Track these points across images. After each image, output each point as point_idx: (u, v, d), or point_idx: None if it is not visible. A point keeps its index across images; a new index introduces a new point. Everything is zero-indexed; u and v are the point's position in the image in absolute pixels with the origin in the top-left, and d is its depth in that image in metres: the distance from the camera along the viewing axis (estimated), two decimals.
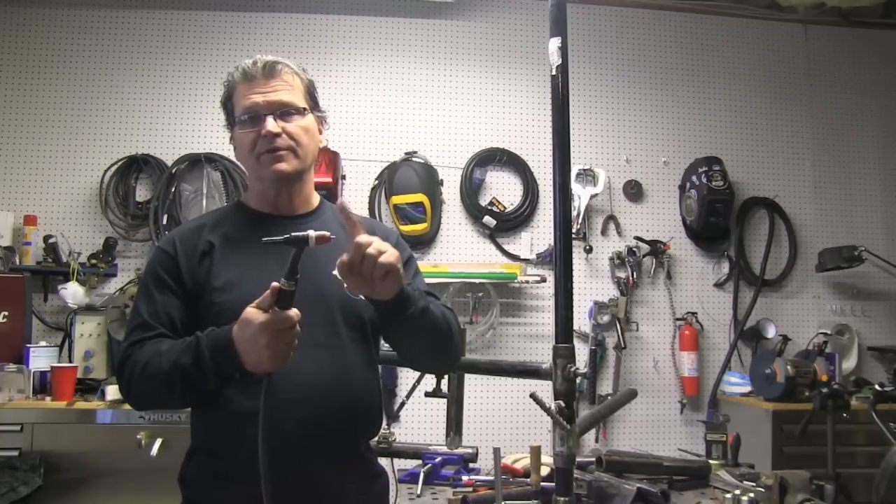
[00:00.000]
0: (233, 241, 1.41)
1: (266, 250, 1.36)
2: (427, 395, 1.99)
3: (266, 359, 1.18)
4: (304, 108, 1.44)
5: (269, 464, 1.17)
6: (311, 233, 1.17)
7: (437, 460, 2.15)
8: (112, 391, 2.81)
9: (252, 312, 1.19)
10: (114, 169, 3.43)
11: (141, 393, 1.34)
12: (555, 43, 1.29)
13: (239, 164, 1.51)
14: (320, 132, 1.50)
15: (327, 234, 1.19)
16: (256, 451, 1.16)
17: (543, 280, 3.54)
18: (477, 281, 3.49)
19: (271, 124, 1.37)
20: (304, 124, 1.43)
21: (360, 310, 1.41)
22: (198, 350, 1.24)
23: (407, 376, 3.34)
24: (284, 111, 1.40)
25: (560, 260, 1.27)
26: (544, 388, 1.26)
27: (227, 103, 1.46)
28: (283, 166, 1.40)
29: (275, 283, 1.18)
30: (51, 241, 3.27)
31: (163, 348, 1.29)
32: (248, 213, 1.48)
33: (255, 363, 1.20)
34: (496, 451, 1.73)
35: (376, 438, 1.84)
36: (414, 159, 3.52)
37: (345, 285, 1.24)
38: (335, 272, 1.22)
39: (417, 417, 3.33)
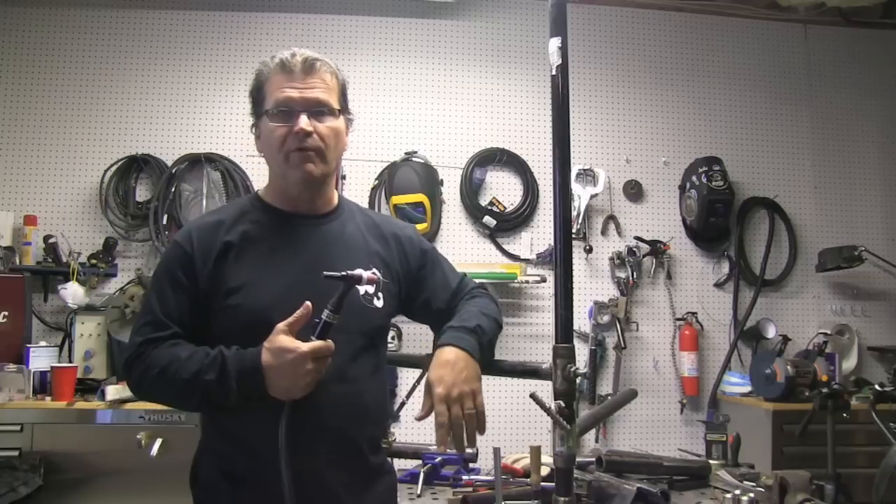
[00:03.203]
0: (251, 241, 1.38)
1: (284, 254, 1.38)
2: None
3: (301, 387, 1.21)
4: (338, 110, 1.40)
5: (280, 467, 1.19)
6: (364, 274, 1.26)
7: (437, 460, 2.15)
8: (112, 391, 2.81)
9: (290, 341, 1.20)
10: (114, 169, 3.43)
11: (153, 392, 1.34)
12: (555, 43, 1.28)
13: (261, 155, 1.45)
14: (346, 133, 1.46)
15: (376, 276, 1.31)
16: (266, 458, 1.19)
17: (543, 280, 3.54)
18: (477, 281, 3.48)
19: (305, 122, 1.34)
20: (336, 126, 1.39)
21: (371, 317, 1.40)
22: (223, 369, 1.23)
23: (407, 376, 3.34)
24: (318, 110, 1.36)
25: (560, 260, 1.27)
26: (544, 388, 1.25)
27: (257, 93, 1.41)
28: (311, 168, 1.36)
29: (319, 314, 1.23)
30: (51, 241, 3.27)
31: (181, 354, 1.27)
32: (268, 210, 1.43)
33: (286, 389, 1.22)
34: (496, 451, 1.73)
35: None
36: (414, 159, 3.52)
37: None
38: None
39: None
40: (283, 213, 1.43)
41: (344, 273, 1.23)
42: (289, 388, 1.21)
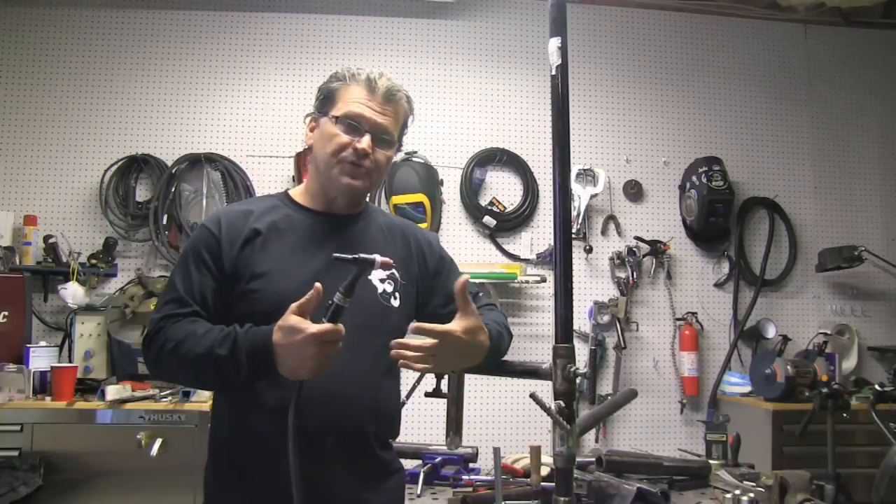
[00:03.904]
0: (278, 232, 1.42)
1: (309, 247, 1.41)
2: (427, 395, 1.97)
3: (308, 368, 1.21)
4: (396, 143, 1.49)
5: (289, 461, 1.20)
6: (378, 258, 1.23)
7: (437, 460, 2.15)
8: (112, 391, 2.81)
9: (300, 321, 1.20)
10: (114, 169, 3.43)
11: (168, 368, 1.36)
12: (555, 43, 1.28)
13: (307, 146, 1.54)
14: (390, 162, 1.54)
15: (390, 261, 1.25)
16: (276, 447, 1.20)
17: (543, 280, 3.54)
18: (477, 281, 3.49)
19: (367, 142, 1.41)
20: (389, 155, 1.48)
21: (389, 315, 1.43)
22: (235, 345, 1.25)
23: (407, 376, 3.33)
24: (382, 138, 1.44)
25: (560, 260, 1.27)
26: (544, 388, 1.25)
27: (330, 92, 1.47)
28: (357, 184, 1.43)
29: (324, 295, 1.21)
30: (51, 241, 3.27)
31: (198, 330, 1.30)
32: (297, 208, 1.49)
33: (293, 370, 1.22)
34: (496, 451, 1.73)
35: None
36: (414, 159, 3.52)
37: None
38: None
39: (417, 417, 3.33)
40: (311, 211, 1.48)
41: (355, 256, 1.22)
42: (296, 368, 1.22)
